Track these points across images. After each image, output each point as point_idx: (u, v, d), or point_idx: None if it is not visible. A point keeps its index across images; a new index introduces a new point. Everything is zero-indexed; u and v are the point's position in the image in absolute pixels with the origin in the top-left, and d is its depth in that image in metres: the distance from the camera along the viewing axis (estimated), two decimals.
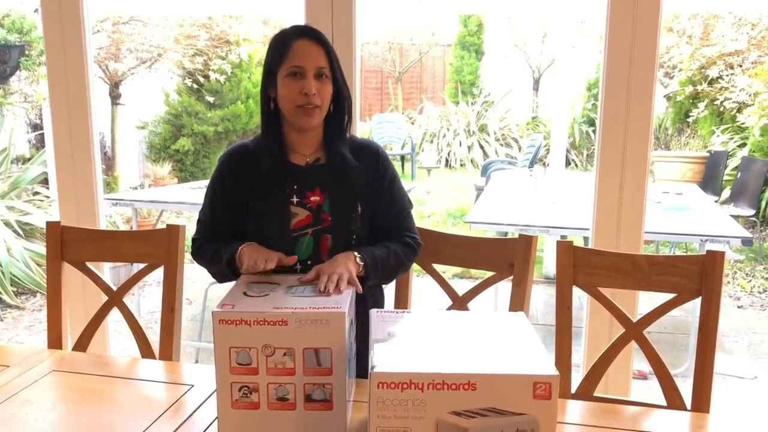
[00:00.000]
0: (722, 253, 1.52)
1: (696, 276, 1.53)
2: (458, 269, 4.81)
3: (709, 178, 6.81)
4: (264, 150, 1.60)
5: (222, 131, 7.84)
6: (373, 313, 1.33)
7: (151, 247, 1.80)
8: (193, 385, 1.49)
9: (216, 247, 1.58)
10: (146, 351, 1.79)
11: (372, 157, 1.64)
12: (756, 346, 3.89)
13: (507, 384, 1.08)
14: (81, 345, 1.82)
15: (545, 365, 1.10)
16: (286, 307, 1.25)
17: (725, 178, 6.73)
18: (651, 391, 3.17)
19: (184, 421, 1.34)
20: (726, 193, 6.48)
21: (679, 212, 3.97)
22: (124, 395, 1.47)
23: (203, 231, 1.66)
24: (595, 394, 1.59)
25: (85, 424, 1.35)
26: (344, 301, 1.28)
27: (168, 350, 1.76)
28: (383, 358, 1.12)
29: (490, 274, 1.74)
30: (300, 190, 1.58)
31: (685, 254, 1.57)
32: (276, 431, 1.25)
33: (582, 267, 1.61)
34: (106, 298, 1.83)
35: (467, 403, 1.08)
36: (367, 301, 1.55)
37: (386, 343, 1.19)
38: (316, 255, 1.57)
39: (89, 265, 1.85)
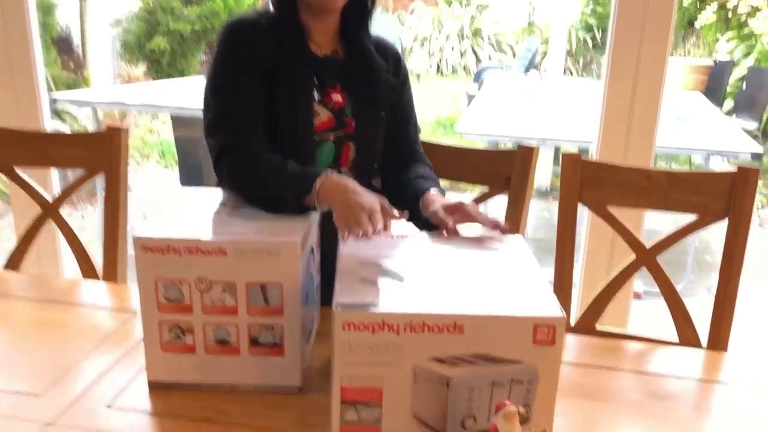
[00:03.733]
0: (756, 171, 1.29)
1: (723, 195, 1.30)
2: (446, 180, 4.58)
3: (713, 88, 6.51)
4: (279, 30, 1.26)
5: (199, 29, 7.36)
6: (344, 249, 1.09)
7: (89, 152, 1.54)
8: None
9: (271, 165, 1.19)
10: (89, 271, 1.57)
11: (392, 56, 1.38)
12: (746, 265, 3.73)
13: (501, 327, 0.87)
14: (14, 263, 1.59)
15: (549, 305, 0.89)
16: (225, 232, 1.02)
17: (728, 89, 6.44)
18: (644, 312, 3.02)
19: (128, 351, 1.14)
20: (728, 104, 6.20)
21: (684, 123, 3.71)
22: (60, 321, 1.26)
23: (231, 134, 1.21)
24: (598, 327, 1.39)
25: (13, 353, 1.14)
26: (299, 229, 1.04)
27: (112, 271, 1.54)
28: (351, 294, 0.90)
29: (482, 189, 1.51)
30: (321, 86, 1.28)
31: (710, 171, 1.33)
32: (216, 378, 1.04)
33: (590, 182, 1.37)
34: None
35: (452, 348, 0.87)
36: None
37: (356, 274, 0.96)
38: (335, 167, 1.30)
39: (27, 173, 1.59)
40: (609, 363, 1.17)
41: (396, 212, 1.13)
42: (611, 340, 1.28)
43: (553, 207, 4.30)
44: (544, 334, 0.87)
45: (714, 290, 1.35)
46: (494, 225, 1.10)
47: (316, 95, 1.27)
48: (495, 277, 0.97)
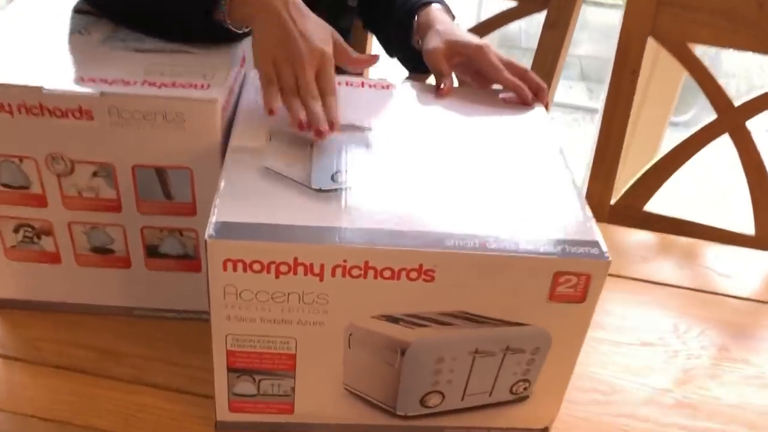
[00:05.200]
0: None
1: None
2: None
3: None
4: None
5: None
6: (245, 97, 0.66)
7: None
8: None
9: None
10: None
11: None
12: None
13: (498, 273, 0.51)
14: None
15: (583, 236, 0.52)
16: (90, 76, 0.59)
17: None
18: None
19: None
20: None
21: None
22: None
23: None
24: (647, 209, 1.04)
25: None
26: (223, 69, 0.62)
27: None
28: (241, 204, 0.52)
29: (508, 5, 1.06)
30: None
31: None
32: (99, 298, 0.68)
33: (669, 5, 0.94)
34: None
35: (414, 302, 0.52)
36: None
37: (256, 163, 0.57)
38: None
39: None
40: (655, 274, 0.84)
41: (356, 54, 0.69)
42: (660, 235, 0.93)
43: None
44: (571, 286, 0.51)
45: None
46: (523, 96, 0.69)
47: None
48: (495, 178, 0.58)
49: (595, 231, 0.53)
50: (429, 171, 0.58)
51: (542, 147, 0.63)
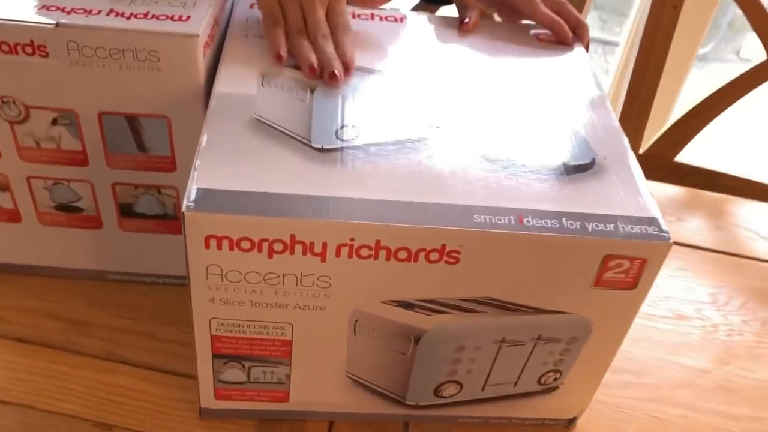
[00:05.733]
0: None
1: None
2: None
3: None
4: None
5: None
6: (233, 32, 0.56)
7: None
8: None
9: None
10: None
11: None
12: None
13: (535, 254, 0.42)
14: None
15: (638, 211, 0.44)
16: (46, 5, 0.49)
17: None
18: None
19: None
20: None
21: None
22: None
23: None
24: (678, 160, 0.95)
25: None
26: (209, 7, 0.51)
27: None
28: (227, 168, 0.42)
29: None
30: None
31: None
32: (67, 261, 0.60)
33: None
34: None
35: (433, 286, 0.44)
36: None
37: (244, 115, 0.47)
38: None
39: None
40: (690, 236, 0.76)
41: None
42: (692, 191, 0.84)
43: None
44: (622, 272, 0.43)
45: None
46: (561, 34, 0.59)
47: None
48: (531, 137, 0.49)
49: (654, 205, 0.44)
50: (453, 126, 0.49)
51: (585, 97, 0.54)
